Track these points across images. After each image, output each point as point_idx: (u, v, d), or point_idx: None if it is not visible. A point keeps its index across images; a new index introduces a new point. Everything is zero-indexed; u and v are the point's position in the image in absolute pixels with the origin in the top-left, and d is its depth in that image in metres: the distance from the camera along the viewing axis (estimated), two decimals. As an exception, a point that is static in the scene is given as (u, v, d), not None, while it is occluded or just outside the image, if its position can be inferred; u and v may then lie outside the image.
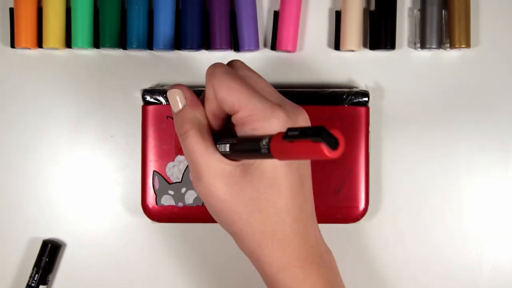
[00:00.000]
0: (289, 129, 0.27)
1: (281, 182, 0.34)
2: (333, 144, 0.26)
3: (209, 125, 0.37)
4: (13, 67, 0.49)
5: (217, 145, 0.36)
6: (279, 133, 0.28)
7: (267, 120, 0.33)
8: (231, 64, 0.38)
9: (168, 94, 0.37)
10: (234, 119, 0.35)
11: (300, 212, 0.36)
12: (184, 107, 0.36)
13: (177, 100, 0.37)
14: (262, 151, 0.30)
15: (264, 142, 0.29)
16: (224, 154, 0.35)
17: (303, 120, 0.36)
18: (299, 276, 0.35)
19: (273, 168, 0.34)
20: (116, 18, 0.48)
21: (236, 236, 0.36)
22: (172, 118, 0.46)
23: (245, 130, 0.34)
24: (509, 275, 0.49)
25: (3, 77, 0.49)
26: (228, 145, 0.34)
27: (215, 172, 0.35)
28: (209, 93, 0.36)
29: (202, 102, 0.37)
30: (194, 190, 0.46)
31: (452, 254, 0.49)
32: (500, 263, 0.49)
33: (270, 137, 0.29)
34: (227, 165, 0.35)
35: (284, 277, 0.35)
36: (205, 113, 0.37)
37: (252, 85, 0.36)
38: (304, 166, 0.36)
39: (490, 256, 0.49)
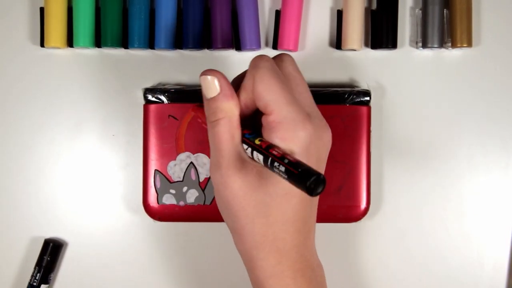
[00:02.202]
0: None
1: (294, 195, 0.35)
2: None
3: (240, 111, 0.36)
4: (14, 67, 0.49)
5: (243, 142, 0.35)
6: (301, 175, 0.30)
7: (295, 132, 0.33)
8: (280, 57, 0.37)
9: (202, 78, 0.36)
10: (264, 121, 0.35)
11: (304, 226, 0.36)
12: (218, 95, 0.35)
13: (211, 87, 0.35)
14: (283, 177, 0.31)
15: (284, 175, 0.31)
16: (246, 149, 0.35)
17: (327, 137, 0.36)
18: (289, 285, 0.36)
19: None
20: (118, 17, 0.48)
21: (236, 232, 0.36)
22: (174, 118, 0.46)
23: (272, 138, 0.34)
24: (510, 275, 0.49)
25: (4, 76, 0.49)
26: (252, 151, 0.34)
27: (236, 165, 0.35)
28: (247, 84, 0.35)
29: (234, 86, 0.36)
30: (195, 190, 0.46)
31: (453, 253, 0.49)
32: (501, 263, 0.49)
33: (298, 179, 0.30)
34: (248, 163, 0.35)
35: (273, 284, 0.36)
36: (239, 104, 0.36)
37: (292, 87, 0.36)
38: None
39: (490, 255, 0.49)
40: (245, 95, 0.36)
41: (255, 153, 0.34)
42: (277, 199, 0.34)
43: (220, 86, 0.35)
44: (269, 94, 0.34)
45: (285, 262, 0.36)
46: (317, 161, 0.35)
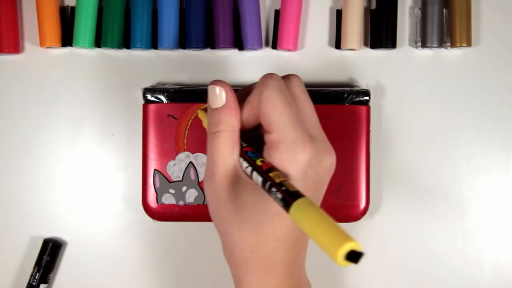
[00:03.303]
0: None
1: (287, 214, 0.34)
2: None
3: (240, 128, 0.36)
4: (14, 67, 0.49)
5: (245, 159, 0.35)
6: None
7: (295, 154, 0.33)
8: (288, 78, 0.37)
9: (210, 88, 0.36)
10: (266, 138, 0.35)
11: (295, 244, 0.36)
12: (223, 107, 0.35)
13: (216, 97, 0.36)
14: (279, 203, 0.30)
15: (282, 203, 0.30)
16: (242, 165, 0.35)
17: (329, 162, 0.35)
18: None
19: None
20: (120, 18, 0.47)
21: (227, 245, 0.36)
22: (174, 117, 0.46)
23: (271, 157, 0.34)
24: (510, 274, 0.49)
25: (3, 75, 0.49)
26: (251, 171, 0.34)
27: (230, 180, 0.35)
28: (253, 100, 0.35)
29: (240, 100, 0.36)
30: (195, 189, 0.46)
31: (453, 253, 0.49)
32: (501, 262, 0.49)
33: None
34: (243, 179, 0.35)
35: None
36: (241, 119, 0.36)
37: (298, 107, 0.35)
38: (315, 201, 0.36)
39: (491, 255, 0.49)
40: (249, 110, 0.36)
41: (254, 173, 0.34)
42: (269, 217, 0.34)
43: (227, 98, 0.35)
44: (274, 114, 0.34)
45: (273, 278, 0.35)
46: (316, 185, 0.35)
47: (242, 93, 0.37)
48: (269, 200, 0.33)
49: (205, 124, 0.38)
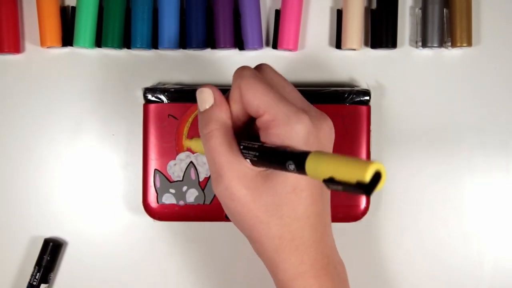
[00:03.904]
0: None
1: (303, 188, 0.34)
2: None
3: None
4: (14, 67, 0.49)
5: (241, 149, 0.35)
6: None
7: (291, 126, 0.33)
8: (259, 67, 0.38)
9: (198, 92, 0.37)
10: (258, 123, 0.35)
11: (319, 221, 0.36)
12: (211, 106, 0.36)
13: (205, 100, 0.36)
14: (289, 169, 0.30)
15: (291, 167, 0.30)
16: (246, 158, 0.35)
17: (327, 126, 0.36)
18: (313, 285, 0.35)
19: (295, 175, 0.34)
20: (120, 18, 0.47)
21: (254, 240, 0.36)
22: (174, 117, 0.46)
23: (269, 136, 0.34)
24: (510, 274, 0.49)
25: (4, 75, 0.49)
26: (252, 155, 0.34)
27: (238, 174, 0.35)
28: (234, 95, 0.36)
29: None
30: (195, 189, 0.46)
31: (453, 253, 0.49)
32: (501, 262, 0.49)
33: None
34: (249, 169, 0.35)
35: (298, 285, 0.35)
36: (230, 115, 0.36)
37: (279, 89, 0.36)
38: None
39: (491, 254, 0.49)
40: (235, 106, 0.36)
41: (259, 157, 0.34)
42: (287, 197, 0.34)
43: (214, 97, 0.36)
44: (258, 98, 0.34)
45: (306, 261, 0.35)
46: None
47: (226, 99, 0.38)
48: (281, 181, 0.34)
49: (196, 149, 0.40)
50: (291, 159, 0.30)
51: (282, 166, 0.31)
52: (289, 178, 0.34)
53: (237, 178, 0.35)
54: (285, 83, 0.37)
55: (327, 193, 0.37)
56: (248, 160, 0.35)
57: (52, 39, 0.47)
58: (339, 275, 0.37)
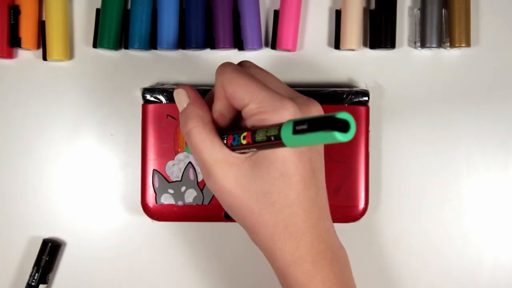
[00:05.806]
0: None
1: (292, 173, 0.34)
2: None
3: (216, 123, 0.37)
4: (14, 67, 0.49)
5: (224, 139, 0.35)
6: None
7: (277, 112, 0.33)
8: (241, 64, 0.38)
9: (175, 93, 0.37)
10: (244, 113, 0.35)
11: (313, 205, 0.35)
12: (187, 105, 0.37)
13: (181, 100, 0.37)
14: (272, 139, 0.30)
15: (272, 135, 0.30)
16: (232, 148, 0.35)
17: (316, 111, 0.35)
18: (310, 271, 0.35)
19: (282, 158, 0.34)
20: (117, 19, 0.47)
21: (249, 230, 0.36)
22: (173, 117, 0.46)
23: (254, 121, 0.34)
24: (509, 274, 0.49)
25: (3, 76, 0.49)
26: (236, 140, 0.34)
27: (223, 166, 0.35)
28: (218, 91, 0.36)
29: (208, 101, 0.37)
30: (194, 189, 0.46)
31: (452, 252, 0.49)
32: (500, 261, 0.49)
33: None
34: (235, 159, 0.35)
35: (295, 271, 0.35)
36: (209, 110, 0.36)
37: (262, 80, 0.36)
38: (317, 158, 0.36)
39: (490, 254, 0.49)
40: (219, 103, 0.36)
41: (243, 144, 0.34)
42: (276, 183, 0.34)
43: (188, 96, 0.37)
44: (241, 89, 0.34)
45: (302, 247, 0.35)
46: None
47: (208, 98, 0.38)
48: (268, 165, 0.34)
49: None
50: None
51: (263, 145, 0.31)
52: (276, 163, 0.34)
53: (223, 171, 0.35)
54: (267, 76, 0.37)
55: (320, 178, 0.36)
56: (233, 151, 0.35)
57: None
58: (338, 260, 0.37)
